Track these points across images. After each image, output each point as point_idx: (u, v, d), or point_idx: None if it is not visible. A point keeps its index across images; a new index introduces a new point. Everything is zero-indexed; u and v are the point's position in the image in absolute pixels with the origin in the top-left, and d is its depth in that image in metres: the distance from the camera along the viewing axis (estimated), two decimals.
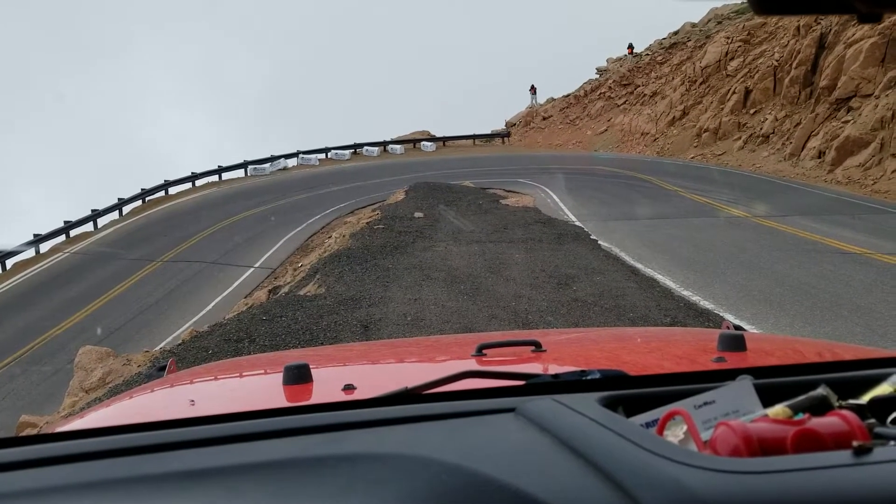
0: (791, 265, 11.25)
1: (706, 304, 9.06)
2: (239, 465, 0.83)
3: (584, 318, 8.36)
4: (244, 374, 2.13)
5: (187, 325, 13.81)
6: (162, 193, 31.75)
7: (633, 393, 0.96)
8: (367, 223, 16.81)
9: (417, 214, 17.24)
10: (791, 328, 8.00)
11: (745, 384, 0.88)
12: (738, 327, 1.97)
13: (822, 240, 13.26)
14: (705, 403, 0.84)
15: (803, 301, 9.08)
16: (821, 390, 0.85)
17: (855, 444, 0.68)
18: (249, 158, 36.83)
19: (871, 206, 18.22)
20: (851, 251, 12.08)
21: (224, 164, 35.64)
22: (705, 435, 0.78)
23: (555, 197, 21.89)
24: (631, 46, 45.00)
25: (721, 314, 8.47)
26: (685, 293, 9.66)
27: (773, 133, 28.75)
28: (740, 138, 30.44)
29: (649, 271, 11.07)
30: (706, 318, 8.27)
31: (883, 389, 0.88)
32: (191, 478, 0.81)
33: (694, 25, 42.20)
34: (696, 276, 10.76)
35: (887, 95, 22.50)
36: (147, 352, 10.09)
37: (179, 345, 9.26)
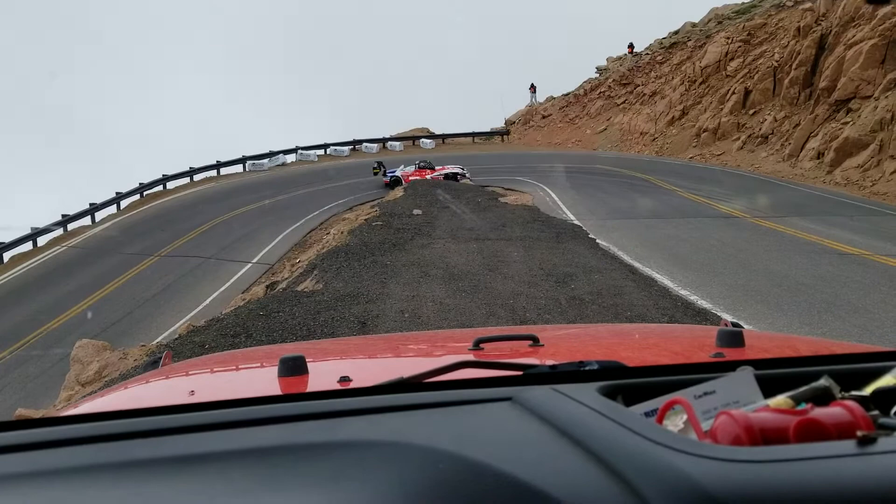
0: (788, 265, 11.25)
1: (703, 304, 9.06)
2: (229, 451, 0.81)
3: (581, 316, 8.36)
4: (240, 366, 2.11)
5: (184, 319, 13.79)
6: (160, 188, 31.69)
7: (632, 382, 0.94)
8: (366, 220, 16.79)
9: (416, 212, 17.22)
10: (788, 328, 7.99)
11: (746, 375, 0.87)
12: (735, 325, 1.96)
13: (820, 240, 13.26)
14: (705, 393, 0.83)
15: (801, 301, 9.08)
16: (823, 381, 0.84)
17: (859, 433, 0.66)
18: (248, 154, 36.81)
19: (870, 208, 18.23)
20: (849, 252, 12.09)
21: (222, 160, 35.60)
22: (705, 425, 0.76)
23: (553, 195, 21.88)
24: (631, 46, 44.97)
25: (718, 313, 8.47)
26: (683, 292, 9.66)
27: (772, 134, 28.76)
28: (739, 139, 30.45)
29: (647, 270, 11.07)
30: (703, 318, 8.26)
31: (886, 381, 0.86)
32: (180, 463, 0.79)
33: (694, 25, 42.18)
34: (693, 276, 10.75)
35: (887, 97, 22.51)
36: (144, 346, 10.06)
37: (176, 339, 9.24)
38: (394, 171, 27.23)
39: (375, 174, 27.94)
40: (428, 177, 26.31)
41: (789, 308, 8.81)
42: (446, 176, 26.16)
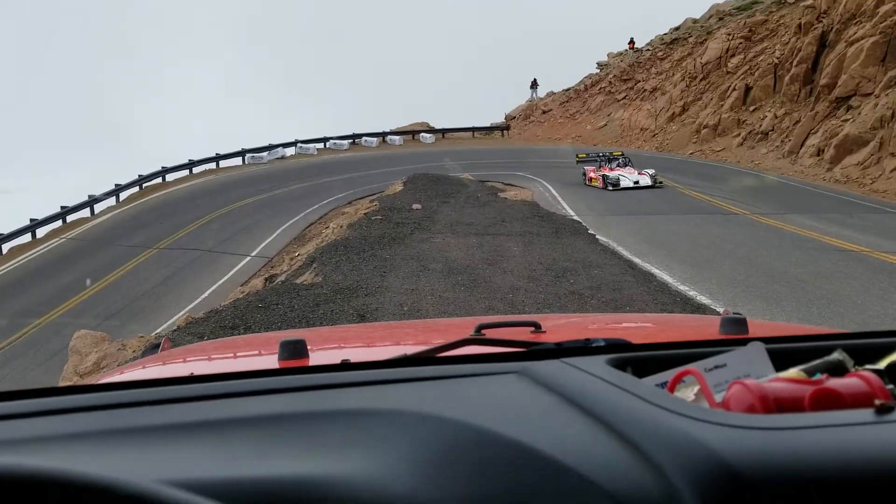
0: (788, 262, 11.23)
1: (703, 299, 9.05)
2: (229, 419, 0.80)
3: (580, 310, 8.36)
4: (239, 351, 2.10)
5: (183, 312, 13.77)
6: (159, 180, 31.63)
7: (640, 356, 0.93)
8: (365, 214, 16.77)
9: (416, 206, 17.20)
10: None
11: (758, 348, 0.85)
12: (737, 314, 1.94)
13: (820, 237, 13.25)
14: (716, 367, 0.81)
15: (800, 298, 9.07)
16: (836, 355, 0.82)
17: (877, 402, 0.65)
18: (247, 147, 36.75)
19: (869, 205, 18.23)
20: (849, 249, 12.08)
21: (222, 152, 35.54)
22: (718, 397, 0.75)
23: (553, 191, 21.87)
24: (632, 41, 44.91)
25: (717, 309, 8.46)
26: (682, 288, 9.65)
27: (772, 130, 28.73)
28: (739, 135, 30.42)
29: (646, 265, 11.06)
30: (702, 313, 8.26)
31: None
32: (176, 430, 0.78)
33: (695, 21, 42.09)
34: (692, 271, 10.74)
35: (887, 94, 22.49)
36: (142, 337, 10.04)
37: (175, 331, 9.23)
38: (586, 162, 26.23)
39: (578, 162, 27.19)
40: (592, 174, 23.75)
41: (788, 304, 8.81)
42: (604, 178, 22.54)
